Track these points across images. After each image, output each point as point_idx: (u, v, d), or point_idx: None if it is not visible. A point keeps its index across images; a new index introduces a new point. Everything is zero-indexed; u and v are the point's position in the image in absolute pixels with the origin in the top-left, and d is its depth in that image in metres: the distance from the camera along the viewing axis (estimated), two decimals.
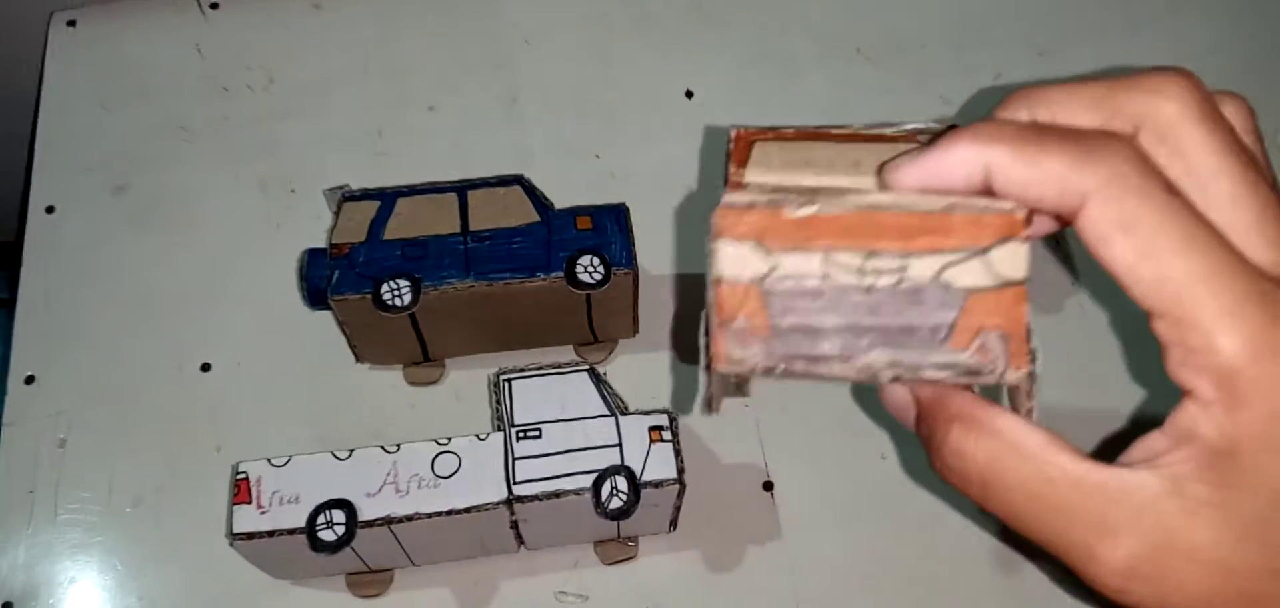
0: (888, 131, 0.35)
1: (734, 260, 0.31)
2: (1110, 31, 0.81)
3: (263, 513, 0.54)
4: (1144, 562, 0.28)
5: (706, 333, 0.32)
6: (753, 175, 0.34)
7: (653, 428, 0.57)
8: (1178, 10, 0.83)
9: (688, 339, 0.68)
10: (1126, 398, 0.67)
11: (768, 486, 0.64)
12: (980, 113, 0.66)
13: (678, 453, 0.56)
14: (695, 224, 0.72)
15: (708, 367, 0.32)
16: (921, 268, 0.30)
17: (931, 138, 0.33)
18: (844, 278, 0.30)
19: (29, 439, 0.65)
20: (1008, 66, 0.78)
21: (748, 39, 0.81)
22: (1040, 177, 0.28)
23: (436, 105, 0.78)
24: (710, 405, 0.33)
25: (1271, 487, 0.27)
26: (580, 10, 0.82)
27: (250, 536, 0.54)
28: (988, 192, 0.30)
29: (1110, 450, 0.30)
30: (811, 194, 0.31)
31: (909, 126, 0.34)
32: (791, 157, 0.34)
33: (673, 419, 0.57)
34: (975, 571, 0.63)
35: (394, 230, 0.61)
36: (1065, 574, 0.39)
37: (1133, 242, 0.27)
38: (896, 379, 0.31)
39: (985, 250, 0.30)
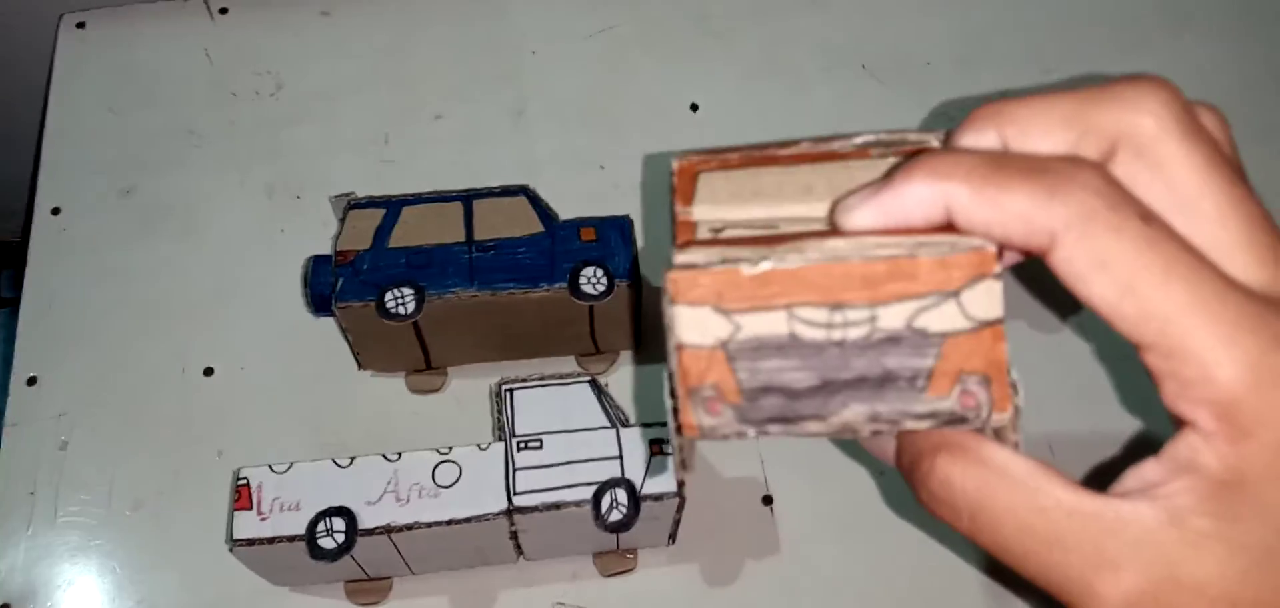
0: (837, 147, 0.33)
1: (694, 325, 0.29)
2: (1114, 49, 0.81)
3: (263, 520, 0.55)
4: (1146, 596, 0.27)
5: (672, 396, 0.30)
6: (700, 211, 0.32)
7: (654, 442, 0.57)
8: (1180, 31, 0.83)
9: None
10: (1118, 423, 0.67)
11: (767, 500, 0.64)
12: None
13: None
14: None
15: (678, 430, 0.30)
16: (892, 316, 0.29)
17: (888, 155, 0.32)
18: (812, 333, 0.29)
19: (30, 441, 0.65)
20: (1012, 84, 0.78)
21: (753, 53, 0.81)
22: (1002, 217, 0.27)
23: (443, 114, 0.78)
24: (683, 466, 0.32)
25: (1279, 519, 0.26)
26: (588, 22, 0.82)
27: (250, 542, 0.54)
28: (950, 226, 0.28)
29: (1099, 480, 0.29)
30: (767, 240, 0.30)
31: (858, 140, 0.32)
32: (739, 186, 0.32)
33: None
34: (972, 592, 0.62)
35: (399, 238, 0.62)
36: None
37: (1111, 278, 0.26)
38: (877, 433, 0.30)
39: (956, 292, 0.28)
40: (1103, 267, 0.26)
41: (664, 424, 0.57)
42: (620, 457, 0.56)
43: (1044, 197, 0.26)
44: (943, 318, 0.29)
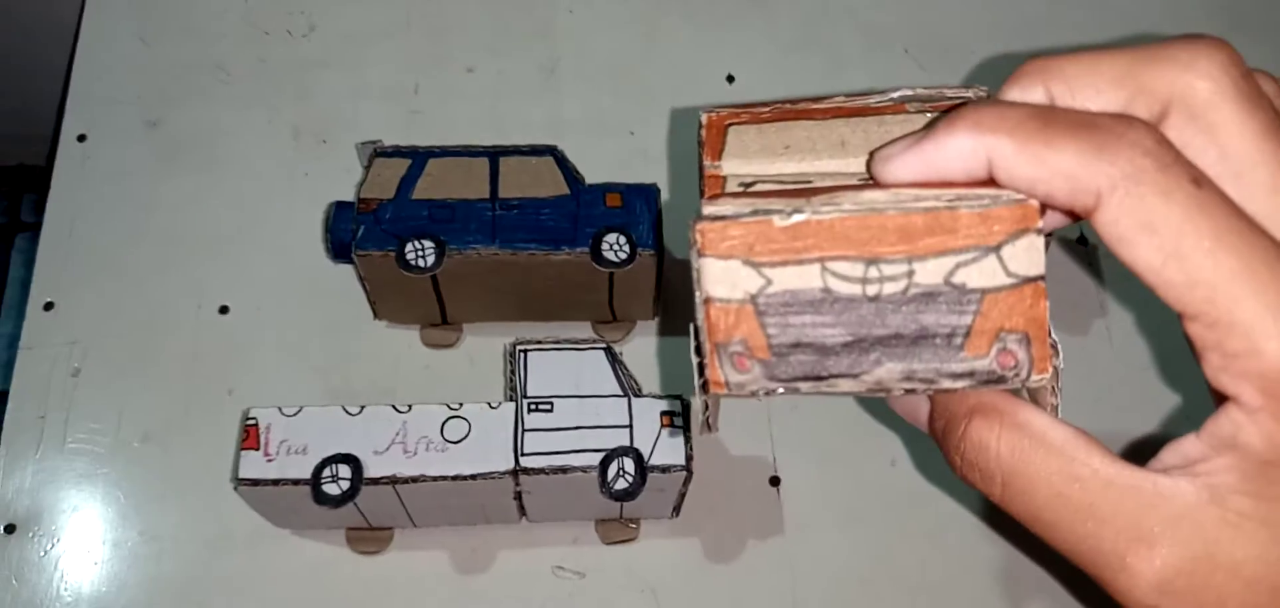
0: (873, 102, 0.32)
1: (722, 279, 0.28)
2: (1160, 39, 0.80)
3: (269, 461, 0.54)
4: (1181, 575, 0.26)
5: (698, 353, 0.30)
6: (729, 165, 0.31)
7: (664, 413, 0.56)
8: (1232, 33, 0.81)
9: None
10: (1141, 420, 0.66)
11: (774, 481, 0.64)
12: None
13: (688, 440, 0.55)
14: None
15: (703, 388, 0.30)
16: (930, 271, 0.27)
17: (924, 111, 0.31)
18: (845, 288, 0.28)
19: (43, 365, 0.65)
20: None
21: (794, 26, 0.80)
22: (1048, 173, 0.26)
23: (475, 67, 0.78)
24: (708, 426, 0.31)
25: None
26: None
27: (255, 482, 0.54)
28: (991, 181, 0.27)
29: (1131, 460, 0.28)
30: (799, 192, 0.29)
31: (895, 95, 0.32)
32: (770, 141, 0.32)
33: (685, 406, 0.56)
34: (977, 585, 0.62)
35: (423, 190, 0.61)
36: (1086, 589, 0.37)
37: (1157, 242, 0.25)
38: (910, 392, 0.29)
39: (997, 247, 0.27)
40: (1149, 230, 0.25)
41: (677, 397, 0.57)
42: (630, 426, 0.56)
43: (1091, 154, 0.25)
44: (982, 274, 0.28)
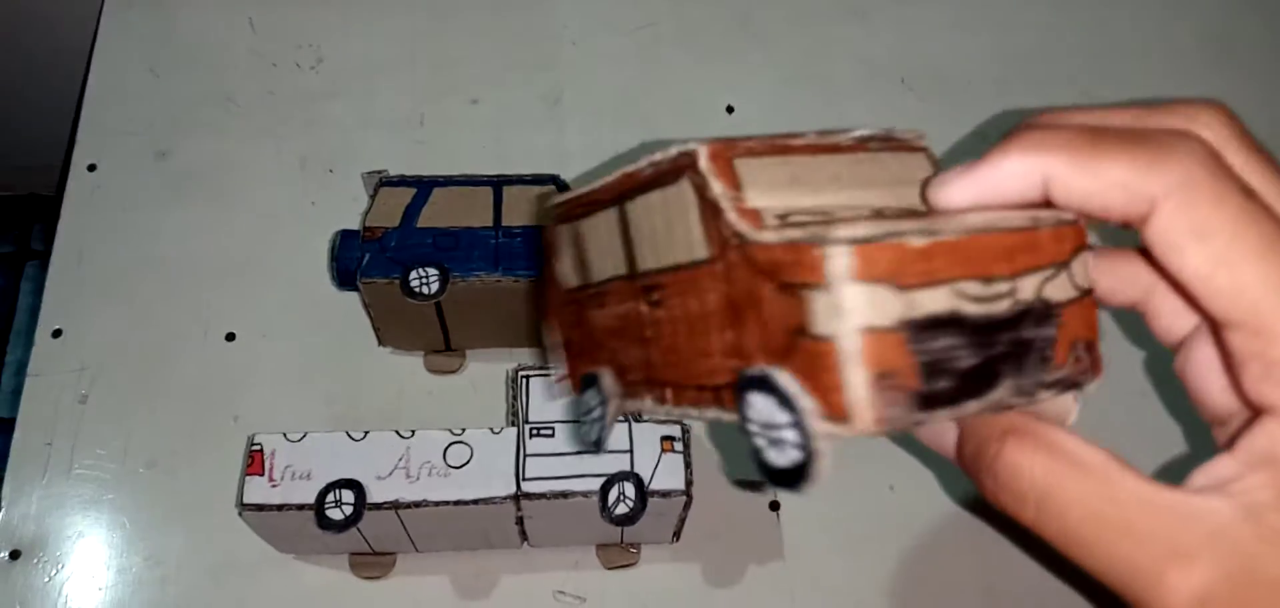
0: (839, 140, 0.32)
1: (873, 305, 0.26)
2: (1155, 77, 0.81)
3: (274, 486, 0.55)
4: (1218, 592, 0.25)
5: (786, 405, 0.27)
6: (756, 198, 0.29)
7: (665, 438, 0.57)
8: (1221, 63, 0.82)
9: None
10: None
11: (774, 506, 0.64)
12: None
13: (688, 465, 0.56)
14: None
15: (806, 438, 0.27)
16: (1026, 288, 0.28)
17: (882, 150, 0.32)
18: (971, 309, 0.27)
19: (51, 392, 0.66)
20: (1050, 106, 0.78)
21: (792, 59, 0.81)
22: (1104, 186, 0.26)
23: (479, 99, 0.79)
24: (813, 474, 0.28)
25: None
26: (628, 17, 0.82)
27: (260, 507, 0.54)
28: (1044, 203, 0.28)
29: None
30: (872, 219, 0.28)
31: (856, 134, 0.32)
32: (775, 175, 0.30)
33: (685, 431, 0.57)
34: None
35: (428, 219, 0.62)
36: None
37: (1208, 250, 0.25)
38: (1010, 409, 0.28)
39: (1068, 263, 0.28)
40: (1200, 237, 0.25)
41: (675, 421, 0.57)
42: (631, 451, 0.56)
43: (1144, 165, 0.26)
44: (1059, 287, 0.28)
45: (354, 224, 0.64)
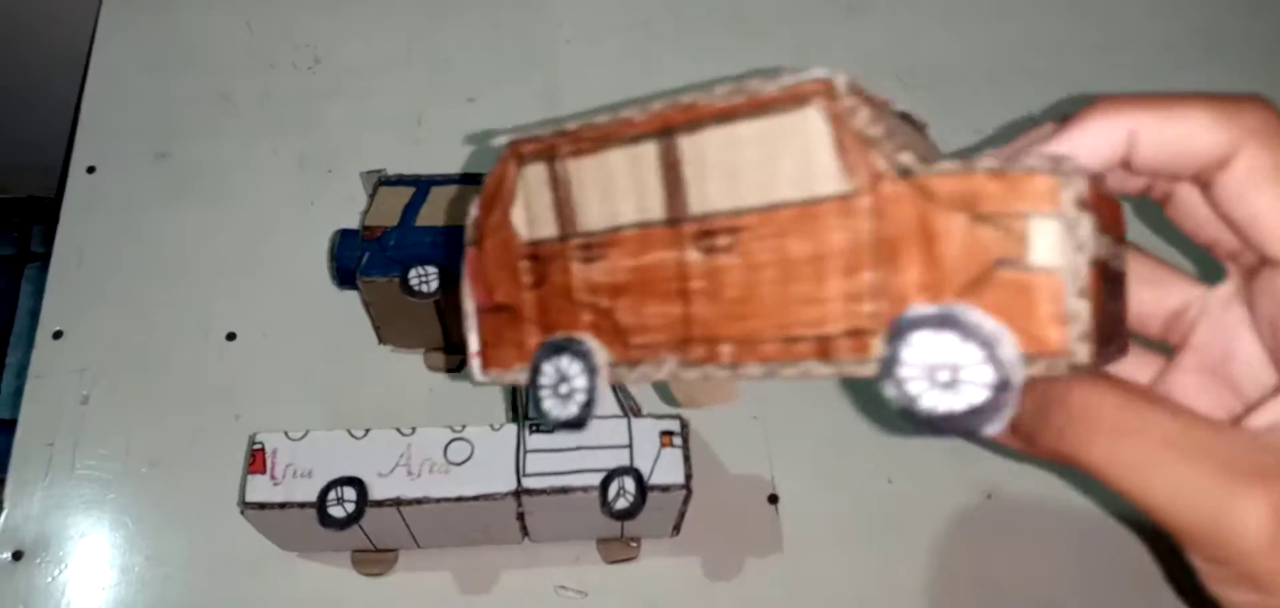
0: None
1: (1096, 239, 0.25)
2: (1147, 72, 0.81)
3: (276, 484, 0.55)
4: None
5: (1006, 329, 0.25)
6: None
7: (664, 433, 0.57)
8: (1214, 57, 0.82)
9: None
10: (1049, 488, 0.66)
11: (773, 499, 0.64)
12: None
13: (687, 459, 0.56)
14: None
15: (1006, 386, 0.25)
16: (1123, 255, 0.29)
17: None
18: (1115, 264, 0.27)
19: (52, 393, 0.66)
20: (1044, 103, 0.78)
21: (787, 56, 0.81)
22: (1188, 131, 0.28)
23: (476, 97, 0.79)
24: (1003, 411, 0.26)
25: None
26: (623, 14, 0.83)
27: (262, 506, 0.55)
28: (1122, 164, 0.30)
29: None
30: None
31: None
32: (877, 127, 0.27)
33: (684, 426, 0.57)
34: (975, 601, 0.62)
35: (427, 217, 0.62)
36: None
37: None
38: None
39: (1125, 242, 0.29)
40: (1276, 178, 0.27)
41: (675, 415, 0.57)
42: (630, 446, 0.56)
43: (1221, 114, 0.28)
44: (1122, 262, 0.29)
45: (353, 223, 0.64)
